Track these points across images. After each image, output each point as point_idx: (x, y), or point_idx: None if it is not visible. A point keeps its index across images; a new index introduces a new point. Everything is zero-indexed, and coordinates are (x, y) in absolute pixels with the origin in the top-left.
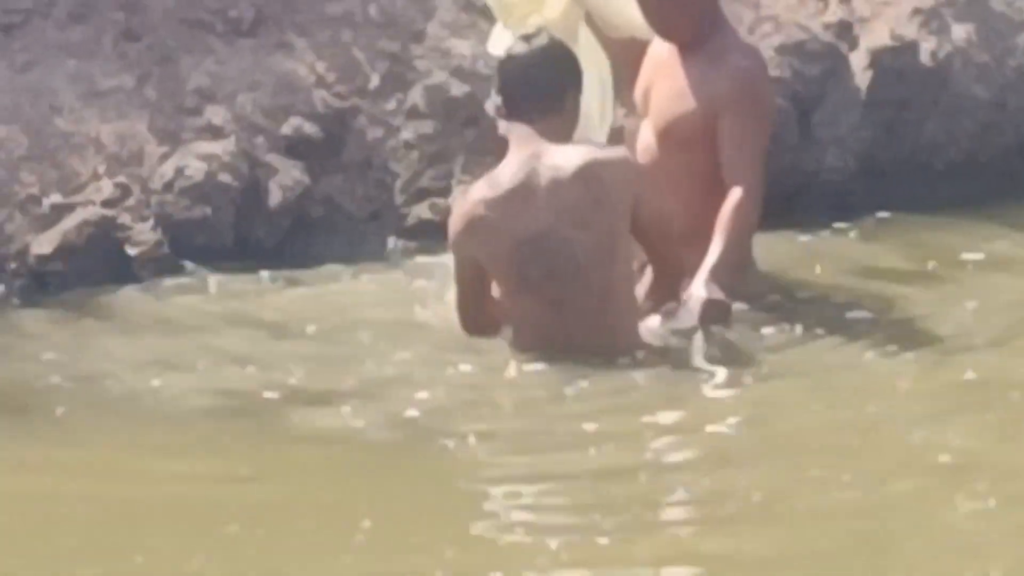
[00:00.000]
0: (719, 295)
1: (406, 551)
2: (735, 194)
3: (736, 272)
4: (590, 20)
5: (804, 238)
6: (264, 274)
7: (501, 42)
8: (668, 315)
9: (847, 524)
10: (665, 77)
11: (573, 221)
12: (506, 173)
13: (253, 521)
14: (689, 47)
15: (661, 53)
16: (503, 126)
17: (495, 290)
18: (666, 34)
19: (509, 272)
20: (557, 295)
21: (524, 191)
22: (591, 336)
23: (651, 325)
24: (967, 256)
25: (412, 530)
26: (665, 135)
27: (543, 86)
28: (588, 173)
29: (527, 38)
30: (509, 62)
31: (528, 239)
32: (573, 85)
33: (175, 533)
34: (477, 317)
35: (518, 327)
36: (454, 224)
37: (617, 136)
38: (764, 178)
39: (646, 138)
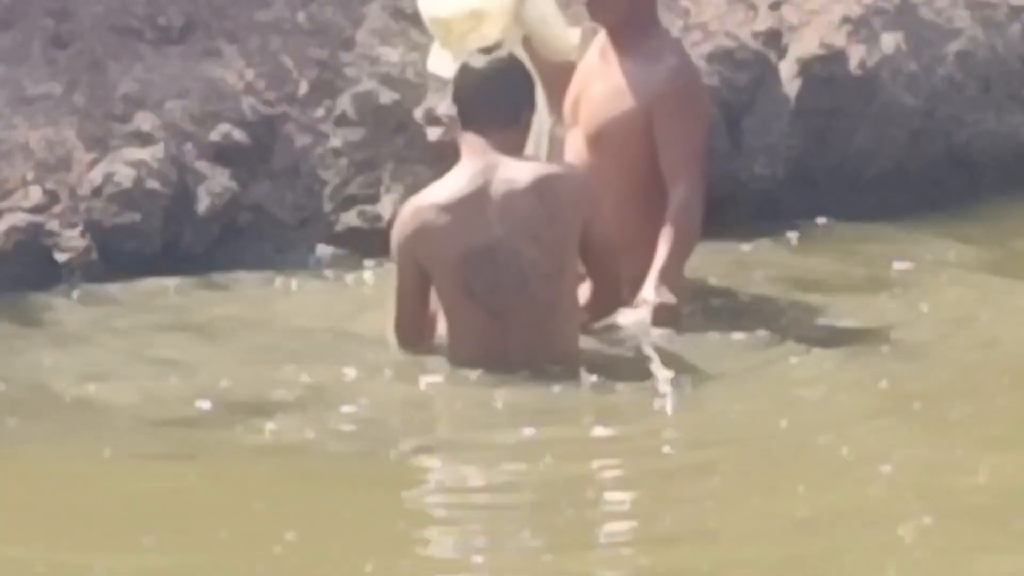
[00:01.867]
0: (670, 298)
1: (323, 564)
2: (679, 193)
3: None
4: (527, 42)
5: (734, 246)
6: (193, 281)
7: (441, 61)
8: (612, 323)
9: (785, 537)
10: (598, 80)
11: (524, 234)
12: (459, 181)
13: (174, 529)
14: (623, 48)
15: (593, 60)
16: (432, 133)
17: (433, 301)
18: (600, 9)
19: (454, 282)
20: (501, 307)
21: (477, 201)
22: (532, 349)
23: (596, 332)
24: (896, 265)
25: (334, 543)
26: (598, 138)
27: (503, 101)
28: (543, 188)
29: (486, 51)
30: (468, 74)
31: (477, 250)
32: (529, 102)
33: (94, 539)
34: (417, 330)
35: (457, 338)
36: (402, 228)
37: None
38: (705, 176)
39: (576, 146)
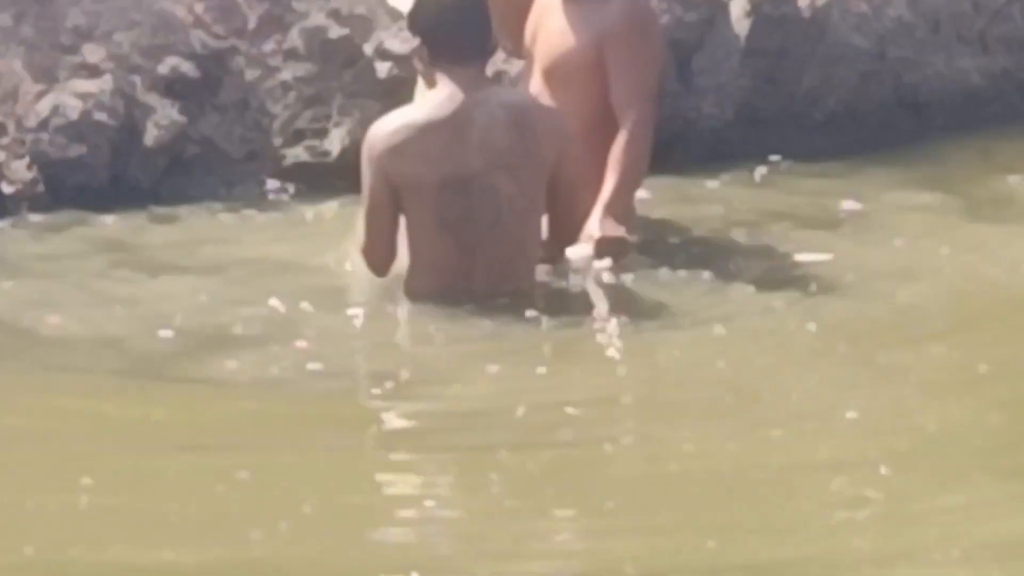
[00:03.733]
0: (615, 231)
1: (264, 504)
2: (627, 125)
3: (632, 204)
4: None
5: (682, 184)
6: (140, 214)
7: None
8: (563, 259)
9: (726, 484)
10: (553, 15)
11: (502, 168)
12: (440, 108)
13: (114, 467)
14: None
15: None
16: (382, 68)
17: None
18: None
19: (426, 208)
20: (471, 241)
21: (458, 129)
22: (495, 285)
23: (550, 269)
24: (845, 205)
25: (281, 482)
26: (552, 73)
27: (473, 32)
28: (524, 121)
29: None
30: (432, 7)
31: (454, 179)
32: (490, 30)
33: (30, 477)
34: (387, 252)
35: (421, 269)
36: (379, 141)
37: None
38: (657, 111)
39: (534, 81)
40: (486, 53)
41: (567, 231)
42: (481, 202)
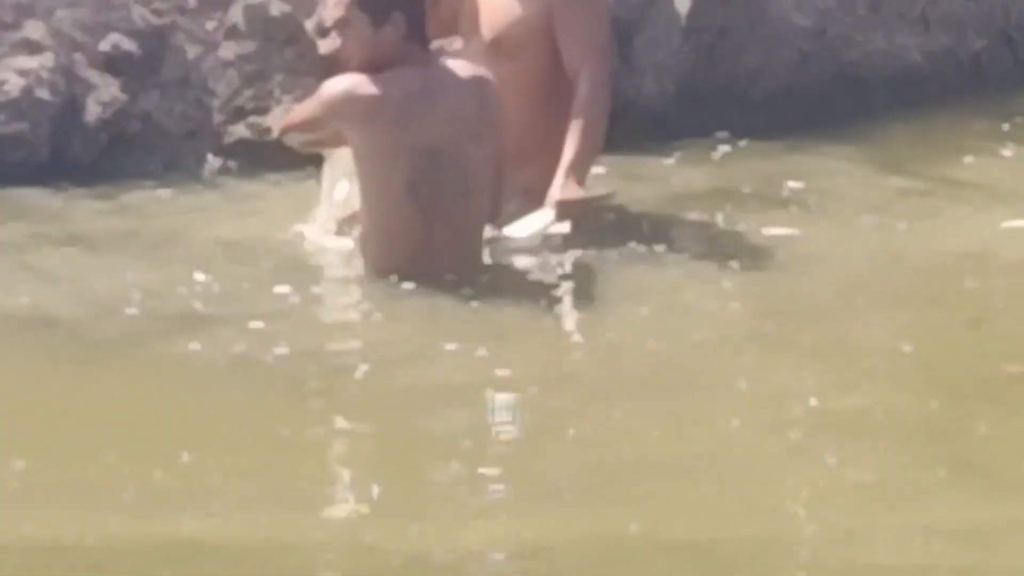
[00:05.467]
0: (576, 193)
1: (198, 488)
2: (582, 89)
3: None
4: None
5: (622, 162)
6: (80, 191)
7: None
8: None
9: (662, 464)
10: None
11: (470, 137)
12: (412, 79)
13: (54, 446)
14: None
15: None
16: (324, 45)
17: (359, 199)
18: None
19: (396, 175)
20: (438, 212)
21: (430, 99)
22: (455, 257)
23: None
24: (788, 183)
25: (220, 465)
26: (499, 45)
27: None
28: (483, 92)
29: None
30: None
31: (428, 148)
32: None
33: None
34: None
35: (380, 238)
36: (354, 88)
37: None
38: (610, 70)
39: (474, 56)
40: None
41: (497, 201)
42: (451, 172)
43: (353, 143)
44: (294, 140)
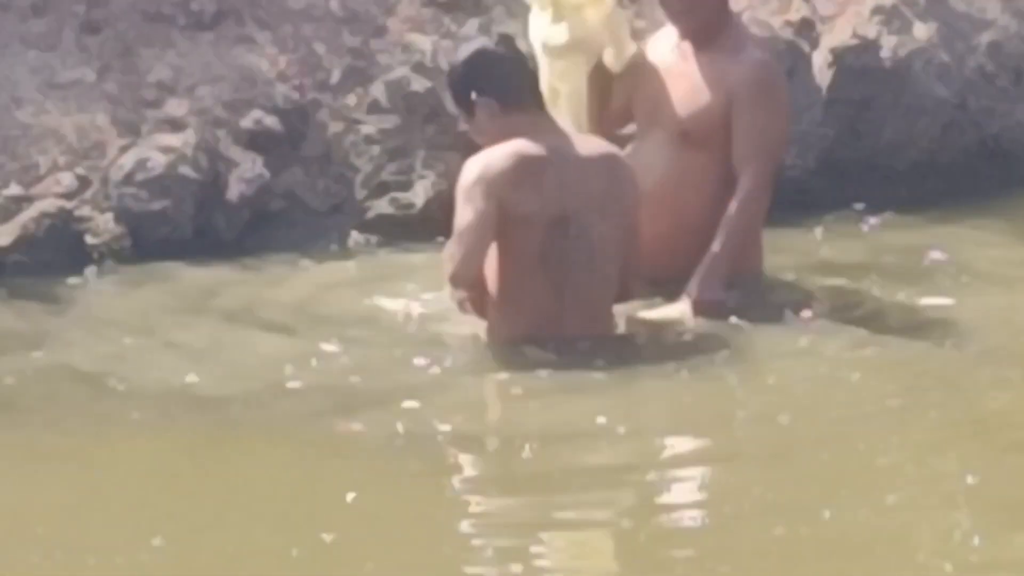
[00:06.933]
0: (716, 295)
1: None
2: (743, 185)
3: (736, 265)
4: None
5: (765, 234)
6: (223, 267)
7: (555, 31)
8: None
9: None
10: (679, 77)
11: (595, 209)
12: (538, 150)
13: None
14: (702, 44)
15: (665, 59)
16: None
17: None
18: (682, 16)
19: (530, 246)
20: (564, 281)
21: (558, 171)
22: (584, 328)
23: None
24: (932, 255)
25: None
26: (685, 135)
27: (536, 80)
28: (609, 165)
29: (504, 36)
30: (508, 54)
31: (558, 218)
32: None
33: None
34: (479, 268)
35: (511, 310)
36: (498, 169)
37: None
38: (775, 172)
39: (657, 147)
40: (543, 100)
41: (631, 281)
42: (577, 243)
43: None
44: (464, 281)
